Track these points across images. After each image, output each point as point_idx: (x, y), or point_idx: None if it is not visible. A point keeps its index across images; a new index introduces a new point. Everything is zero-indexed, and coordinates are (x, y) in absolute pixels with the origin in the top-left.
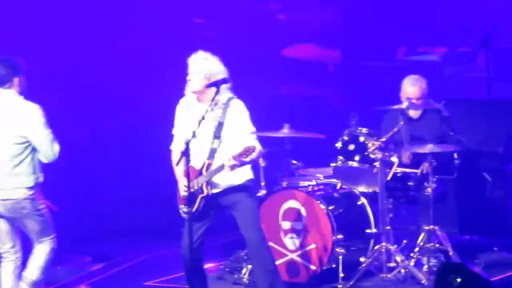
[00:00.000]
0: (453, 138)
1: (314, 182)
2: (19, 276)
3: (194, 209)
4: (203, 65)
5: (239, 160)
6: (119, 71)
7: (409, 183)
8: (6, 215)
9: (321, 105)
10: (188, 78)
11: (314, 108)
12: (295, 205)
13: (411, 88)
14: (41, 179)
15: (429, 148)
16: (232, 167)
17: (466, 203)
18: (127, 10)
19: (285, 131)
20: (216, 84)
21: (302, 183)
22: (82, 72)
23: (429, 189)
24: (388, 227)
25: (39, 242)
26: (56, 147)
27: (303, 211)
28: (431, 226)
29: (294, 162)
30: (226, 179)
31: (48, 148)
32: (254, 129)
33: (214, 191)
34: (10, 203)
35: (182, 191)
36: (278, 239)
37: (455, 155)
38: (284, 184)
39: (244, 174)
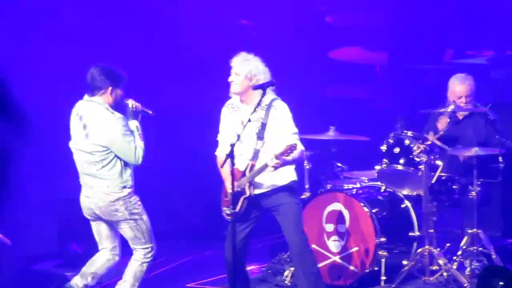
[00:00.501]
0: (498, 141)
1: (358, 185)
2: (106, 270)
3: (237, 211)
4: (244, 66)
5: (282, 159)
6: (166, 74)
7: (453, 187)
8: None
9: (367, 107)
10: (229, 79)
11: (360, 111)
12: (339, 207)
13: (459, 86)
14: (130, 182)
15: (474, 151)
16: (275, 167)
17: (510, 207)
18: (175, 11)
19: (330, 134)
20: (263, 86)
21: (346, 186)
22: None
23: (473, 193)
24: (432, 230)
25: (133, 249)
26: (139, 152)
27: (347, 214)
28: (475, 230)
29: (339, 164)
30: (269, 180)
31: (131, 155)
32: (296, 130)
33: (257, 192)
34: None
35: (228, 190)
36: (322, 242)
37: (500, 159)
38: (329, 186)
39: (288, 175)
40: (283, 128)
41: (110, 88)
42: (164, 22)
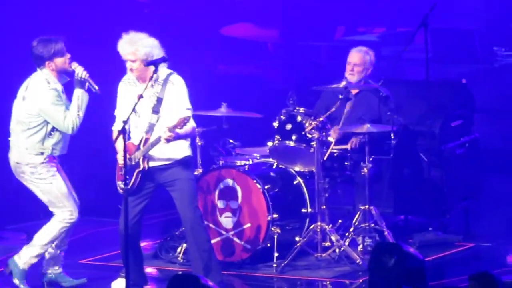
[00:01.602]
0: (390, 118)
1: (250, 161)
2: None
3: (130, 185)
4: (136, 50)
5: (175, 132)
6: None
7: (345, 163)
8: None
9: (259, 84)
10: (129, 68)
11: (252, 88)
12: (231, 184)
13: (352, 54)
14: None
15: (366, 127)
16: (168, 139)
17: (401, 183)
18: None
19: (222, 110)
20: (154, 63)
21: (238, 162)
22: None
23: (365, 169)
24: (324, 207)
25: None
26: (69, 122)
27: (239, 190)
28: (367, 206)
29: (231, 141)
30: (163, 153)
31: (60, 124)
32: (190, 105)
33: (152, 164)
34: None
35: (120, 164)
36: (214, 218)
37: (392, 135)
38: (221, 163)
39: (182, 150)
40: (177, 102)
41: (46, 63)
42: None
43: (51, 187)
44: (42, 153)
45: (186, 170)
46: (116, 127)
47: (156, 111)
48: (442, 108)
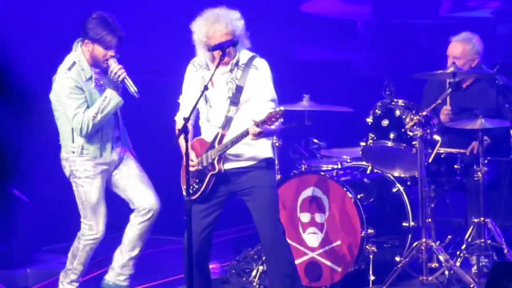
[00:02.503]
0: (509, 111)
1: (339, 165)
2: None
3: (201, 190)
4: (197, 32)
5: (264, 128)
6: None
7: (455, 166)
8: None
9: (348, 72)
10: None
11: (340, 76)
12: (316, 193)
13: (452, 45)
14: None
15: (480, 123)
16: (257, 136)
17: None
18: None
19: (304, 104)
20: (222, 47)
21: (325, 167)
22: None
23: (479, 174)
24: (429, 220)
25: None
26: (78, 123)
27: (326, 201)
28: (482, 219)
29: (316, 141)
30: (241, 154)
31: (70, 121)
32: (275, 96)
33: (227, 167)
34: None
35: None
36: (297, 235)
37: (511, 132)
38: (303, 168)
39: (263, 150)
40: (261, 92)
41: (86, 41)
42: None
43: (80, 190)
44: (73, 152)
45: (267, 176)
46: (180, 115)
47: (234, 102)
48: None
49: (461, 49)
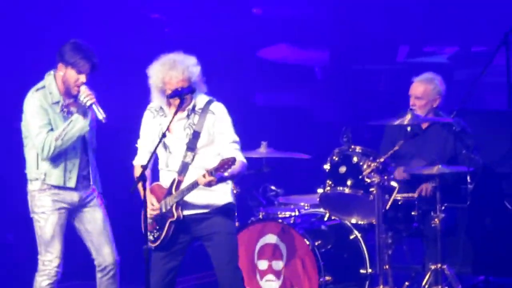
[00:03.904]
0: (466, 157)
1: (296, 212)
2: None
3: (162, 237)
4: (153, 77)
5: (217, 175)
6: None
7: (412, 213)
8: None
9: (306, 118)
10: (172, 88)
11: (297, 122)
12: (273, 240)
13: (414, 85)
14: (47, 178)
15: (436, 169)
16: (208, 184)
17: (481, 237)
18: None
19: (262, 151)
20: (180, 94)
21: (282, 214)
22: None
23: (436, 220)
24: (387, 267)
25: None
26: (40, 144)
27: (283, 248)
28: (439, 265)
29: (273, 188)
30: (199, 200)
31: (34, 142)
32: (237, 138)
33: (186, 213)
34: None
35: (151, 212)
36: (254, 282)
37: (468, 178)
38: (261, 215)
39: (223, 196)
40: (221, 136)
41: (59, 64)
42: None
43: (36, 225)
44: (37, 179)
45: (227, 221)
46: (138, 161)
47: (191, 148)
48: None
49: (422, 89)
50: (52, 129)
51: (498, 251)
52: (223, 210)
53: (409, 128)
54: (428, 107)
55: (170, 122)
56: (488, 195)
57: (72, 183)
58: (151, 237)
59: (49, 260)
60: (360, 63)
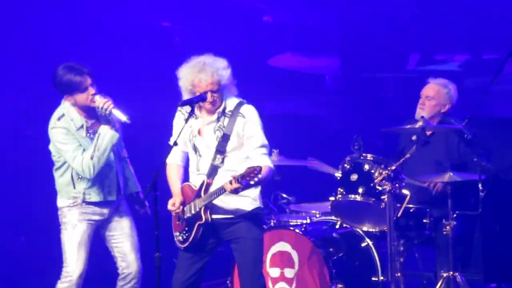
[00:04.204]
0: (477, 164)
1: (308, 220)
2: None
3: (190, 239)
4: (182, 79)
5: (243, 182)
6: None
7: (424, 220)
8: None
9: (317, 126)
10: (201, 91)
11: (308, 130)
12: (285, 248)
13: (429, 85)
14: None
15: (448, 176)
16: (235, 191)
17: (493, 244)
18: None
19: (273, 158)
20: (191, 102)
21: (294, 222)
22: None
23: (448, 228)
24: (399, 274)
25: None
26: (78, 164)
27: (295, 255)
28: (451, 273)
29: (285, 196)
30: (229, 204)
31: (72, 165)
32: (265, 141)
33: (215, 217)
34: None
35: (170, 207)
36: None
37: (480, 186)
38: (272, 223)
39: (252, 201)
40: (250, 140)
41: (65, 96)
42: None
43: (63, 234)
44: (74, 197)
45: (255, 227)
46: (170, 159)
47: (221, 151)
48: None
49: (436, 90)
50: (84, 150)
51: (509, 258)
52: (252, 215)
53: (414, 137)
54: (437, 110)
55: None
56: (499, 203)
57: (113, 196)
58: (180, 238)
59: (72, 270)
60: (370, 71)
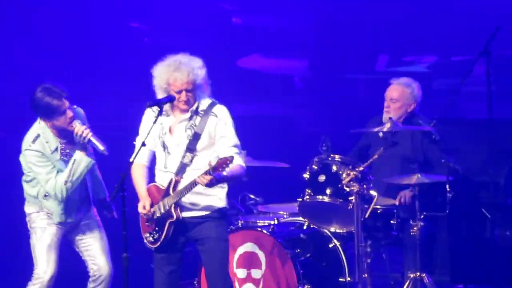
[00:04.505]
0: (445, 166)
1: (275, 221)
2: None
3: (162, 239)
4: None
5: (216, 175)
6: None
7: (391, 221)
8: None
9: (285, 127)
10: (177, 90)
11: (276, 131)
12: (252, 248)
13: (392, 87)
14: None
15: (416, 178)
16: (208, 184)
17: (460, 245)
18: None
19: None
20: (159, 103)
21: (261, 222)
22: None
23: (415, 228)
24: (366, 275)
25: None
26: (51, 188)
27: (262, 256)
28: (418, 273)
29: (252, 196)
30: (195, 202)
31: (43, 185)
32: (237, 142)
33: (183, 215)
34: None
35: (141, 210)
36: None
37: (447, 187)
38: (240, 223)
39: (218, 201)
40: (222, 140)
41: (42, 119)
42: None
43: (33, 237)
44: (42, 208)
45: (221, 227)
46: (136, 159)
47: (191, 149)
48: (509, 153)
49: (399, 91)
50: (58, 171)
51: (476, 259)
52: (217, 215)
53: (381, 134)
54: (403, 111)
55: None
56: (466, 204)
57: (72, 219)
58: (150, 238)
59: (43, 272)
60: (339, 72)
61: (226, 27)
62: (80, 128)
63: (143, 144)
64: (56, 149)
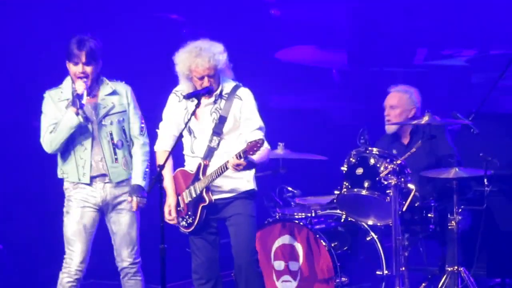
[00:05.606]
0: (483, 159)
1: (313, 214)
2: None
3: (196, 223)
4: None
5: (246, 158)
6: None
7: (429, 215)
8: None
9: (323, 120)
10: (199, 76)
11: (314, 124)
12: (290, 241)
13: (390, 95)
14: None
15: (454, 172)
16: (238, 168)
17: (497, 240)
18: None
19: (279, 152)
20: (197, 94)
21: (299, 215)
22: None
23: (453, 222)
24: (403, 268)
25: None
26: (42, 140)
27: (300, 249)
28: (456, 267)
29: (290, 189)
30: (227, 184)
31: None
32: (262, 123)
33: (216, 197)
34: None
35: (167, 216)
36: (270, 282)
37: (486, 181)
38: (277, 216)
39: (247, 183)
40: (247, 122)
41: (66, 61)
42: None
43: (64, 223)
44: (62, 179)
45: (249, 205)
46: (162, 146)
47: (217, 133)
48: None
49: (398, 98)
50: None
51: None
52: (245, 195)
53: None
54: (404, 117)
55: (197, 105)
56: (504, 198)
57: (86, 179)
58: (184, 223)
59: (70, 259)
60: (377, 66)
61: (265, 19)
62: (81, 84)
63: (181, 136)
64: (67, 100)
